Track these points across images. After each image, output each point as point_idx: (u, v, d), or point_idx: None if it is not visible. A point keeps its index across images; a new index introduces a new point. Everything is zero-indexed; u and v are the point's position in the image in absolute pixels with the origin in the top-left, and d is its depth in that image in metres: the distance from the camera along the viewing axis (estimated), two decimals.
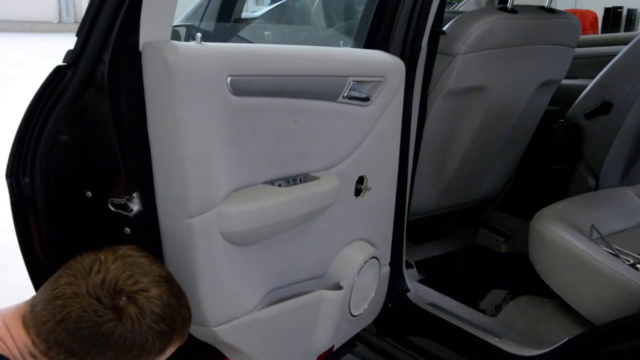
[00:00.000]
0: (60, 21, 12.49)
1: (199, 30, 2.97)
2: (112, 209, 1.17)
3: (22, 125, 1.15)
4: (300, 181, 1.41)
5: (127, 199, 1.16)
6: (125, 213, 1.17)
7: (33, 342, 0.98)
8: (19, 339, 0.99)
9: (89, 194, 1.20)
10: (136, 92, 1.11)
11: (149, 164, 1.16)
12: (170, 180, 1.15)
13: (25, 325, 0.99)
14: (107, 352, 0.96)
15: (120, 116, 1.13)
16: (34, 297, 1.02)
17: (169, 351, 1.05)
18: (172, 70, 1.08)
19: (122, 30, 1.09)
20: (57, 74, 1.14)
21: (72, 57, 1.13)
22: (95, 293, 0.95)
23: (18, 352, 0.99)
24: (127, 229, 1.19)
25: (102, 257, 1.00)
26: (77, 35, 1.13)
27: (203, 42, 1.15)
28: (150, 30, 1.09)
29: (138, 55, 1.10)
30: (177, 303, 1.03)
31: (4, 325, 1.00)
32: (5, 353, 0.97)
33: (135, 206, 1.16)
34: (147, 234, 1.20)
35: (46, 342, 0.97)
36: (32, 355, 0.99)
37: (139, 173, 1.16)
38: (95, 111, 1.15)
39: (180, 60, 1.08)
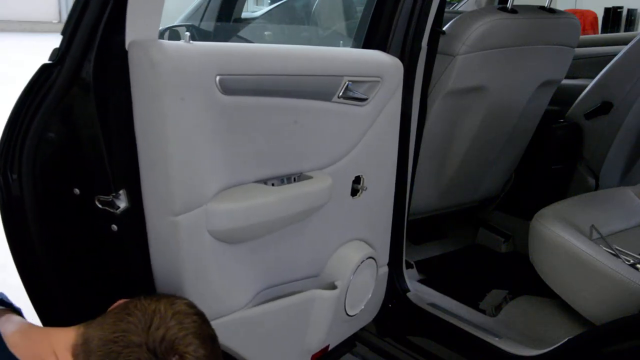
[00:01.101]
0: (60, 21, 12.48)
1: (199, 30, 2.97)
2: (99, 206, 1.17)
3: (9, 123, 1.15)
4: (294, 180, 1.41)
5: (113, 196, 1.16)
6: (112, 210, 1.16)
7: None
8: None
9: (76, 191, 1.20)
10: (122, 90, 1.11)
11: (135, 161, 1.16)
12: (156, 178, 1.15)
13: (75, 357, 0.98)
14: None
15: (106, 114, 1.12)
16: (87, 330, 1.00)
17: None
18: (158, 69, 1.07)
19: (108, 29, 1.09)
20: (43, 72, 1.14)
21: (58, 56, 1.13)
22: (153, 348, 0.97)
23: None
24: (114, 226, 1.19)
25: (162, 310, 1.01)
26: (63, 33, 1.13)
27: (192, 42, 1.15)
28: (137, 29, 1.09)
29: (124, 53, 1.09)
30: None
31: (52, 352, 0.99)
32: None
33: (122, 203, 1.16)
34: (133, 231, 1.20)
35: None
36: None
37: (126, 170, 1.16)
38: (81, 109, 1.15)
39: (166, 59, 1.08)
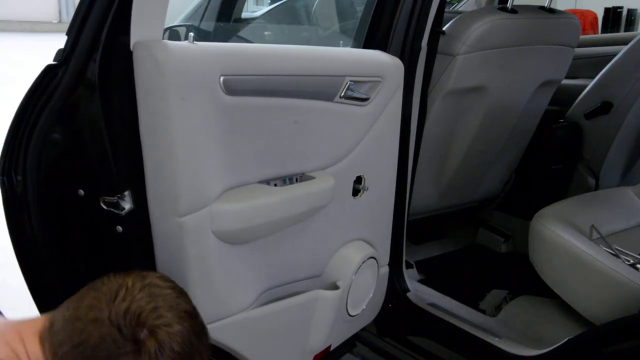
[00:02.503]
0: (60, 21, 12.49)
1: (199, 30, 2.97)
2: (104, 207, 1.17)
3: (13, 123, 1.15)
4: (297, 181, 1.41)
5: (118, 197, 1.16)
6: (116, 211, 1.17)
7: None
8: (33, 355, 0.95)
9: (81, 192, 1.20)
10: (127, 91, 1.11)
11: (140, 162, 1.16)
12: (161, 179, 1.15)
13: (42, 341, 0.96)
14: None
15: (111, 115, 1.13)
16: (54, 313, 0.98)
17: None
18: (163, 69, 1.07)
19: (113, 29, 1.09)
20: (48, 73, 1.14)
21: (63, 56, 1.13)
22: (117, 322, 0.91)
23: None
24: (119, 227, 1.19)
25: (130, 284, 0.96)
26: (68, 34, 1.13)
27: (196, 42, 1.15)
28: (142, 30, 1.09)
29: (129, 54, 1.10)
30: (198, 341, 0.98)
31: (20, 339, 0.96)
32: None
33: (127, 204, 1.16)
34: (138, 232, 1.21)
35: None
36: None
37: (131, 171, 1.16)
38: (86, 110, 1.15)
39: (171, 60, 1.08)
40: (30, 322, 0.99)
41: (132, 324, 0.91)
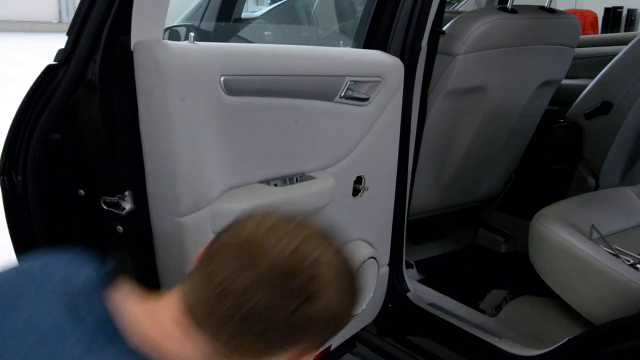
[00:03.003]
0: (60, 21, 12.48)
1: (199, 30, 2.97)
2: (105, 207, 1.17)
3: (14, 123, 1.15)
4: (297, 181, 1.41)
5: (119, 197, 1.16)
6: (117, 211, 1.16)
7: (211, 348, 0.78)
8: (195, 348, 0.78)
9: (81, 192, 1.20)
10: (128, 91, 1.11)
11: (141, 162, 1.16)
12: (161, 179, 1.15)
13: (200, 327, 0.78)
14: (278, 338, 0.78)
15: (111, 115, 1.12)
16: (193, 290, 0.79)
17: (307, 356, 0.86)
18: (163, 69, 1.08)
19: (113, 30, 1.09)
20: (48, 73, 1.14)
21: (64, 56, 1.13)
22: (283, 276, 0.76)
23: None
24: (120, 227, 1.19)
25: (290, 230, 0.80)
26: (68, 34, 1.13)
27: (196, 42, 1.15)
28: (142, 30, 1.09)
29: (130, 54, 1.10)
30: (353, 302, 0.86)
31: (181, 332, 0.78)
32: None
33: (128, 204, 1.16)
34: (139, 232, 1.20)
35: (229, 345, 0.78)
36: None
37: (131, 171, 1.16)
38: (86, 110, 1.15)
39: (172, 60, 1.08)
40: (166, 308, 0.81)
41: (300, 280, 0.77)
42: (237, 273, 0.76)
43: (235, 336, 0.77)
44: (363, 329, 1.80)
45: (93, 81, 1.12)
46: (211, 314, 0.77)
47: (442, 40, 1.80)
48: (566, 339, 1.53)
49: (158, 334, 0.78)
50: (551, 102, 2.30)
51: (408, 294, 1.87)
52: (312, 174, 1.42)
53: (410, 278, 1.95)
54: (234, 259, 0.78)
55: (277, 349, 0.80)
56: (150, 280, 1.24)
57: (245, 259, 0.77)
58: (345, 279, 0.82)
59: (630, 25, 7.60)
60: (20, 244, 1.22)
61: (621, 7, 7.55)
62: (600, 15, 7.01)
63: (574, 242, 1.71)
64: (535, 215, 1.87)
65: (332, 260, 0.82)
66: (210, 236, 1.21)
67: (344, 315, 0.84)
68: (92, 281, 0.83)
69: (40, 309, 0.79)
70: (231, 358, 0.79)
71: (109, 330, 0.78)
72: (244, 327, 0.76)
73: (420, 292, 1.91)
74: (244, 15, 3.33)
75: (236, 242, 0.80)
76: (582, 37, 2.66)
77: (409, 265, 2.07)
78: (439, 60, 1.81)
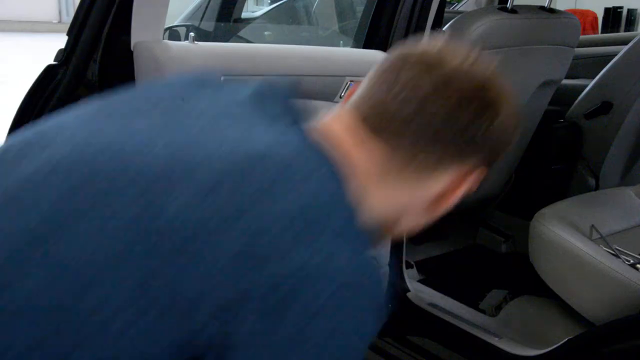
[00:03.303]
0: (60, 21, 12.48)
1: (199, 30, 2.97)
2: None
3: (14, 123, 1.15)
4: None
5: None
6: None
7: (386, 159, 0.74)
8: (371, 159, 0.74)
9: None
10: None
11: None
12: None
13: (377, 134, 0.73)
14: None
15: None
16: (366, 101, 0.75)
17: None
18: (163, 69, 1.08)
19: (113, 30, 1.09)
20: (48, 73, 1.14)
21: (64, 56, 1.13)
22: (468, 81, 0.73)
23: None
24: None
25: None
26: (68, 34, 1.13)
27: (196, 42, 1.15)
28: (142, 30, 1.09)
29: (130, 54, 1.10)
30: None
31: (356, 142, 0.73)
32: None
33: None
34: None
35: (405, 154, 0.74)
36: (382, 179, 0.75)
37: None
38: None
39: (171, 60, 1.08)
40: (339, 120, 0.77)
41: (480, 89, 0.74)
42: (419, 77, 0.72)
43: (414, 145, 0.73)
44: None
45: (93, 81, 1.12)
46: (391, 120, 0.73)
47: None
48: (566, 339, 1.53)
49: (335, 141, 0.73)
50: (551, 102, 2.30)
51: (408, 294, 1.87)
52: None
53: (410, 278, 1.95)
54: (414, 65, 0.73)
55: (449, 162, 0.78)
56: None
57: (426, 65, 0.73)
58: (513, 102, 0.78)
59: (630, 25, 7.60)
60: None
61: (621, 7, 7.55)
62: (600, 15, 7.00)
63: (574, 242, 1.71)
64: (536, 215, 1.86)
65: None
66: None
67: (513, 135, 0.81)
68: None
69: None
70: (404, 172, 0.76)
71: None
72: (424, 135, 0.73)
73: (420, 292, 1.91)
74: (244, 15, 3.33)
75: (414, 53, 0.75)
76: (582, 37, 2.66)
77: (409, 265, 2.06)
78: None
